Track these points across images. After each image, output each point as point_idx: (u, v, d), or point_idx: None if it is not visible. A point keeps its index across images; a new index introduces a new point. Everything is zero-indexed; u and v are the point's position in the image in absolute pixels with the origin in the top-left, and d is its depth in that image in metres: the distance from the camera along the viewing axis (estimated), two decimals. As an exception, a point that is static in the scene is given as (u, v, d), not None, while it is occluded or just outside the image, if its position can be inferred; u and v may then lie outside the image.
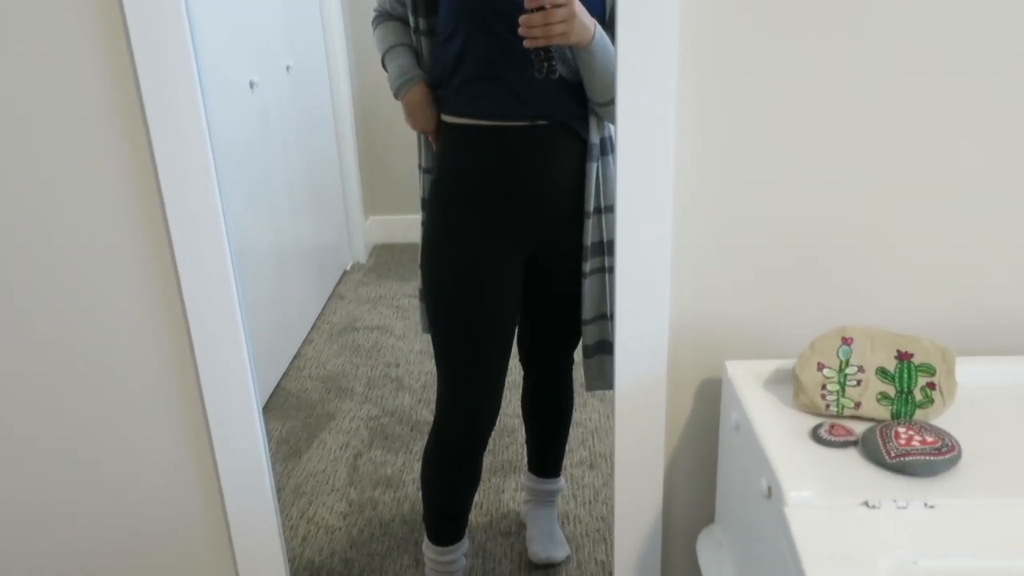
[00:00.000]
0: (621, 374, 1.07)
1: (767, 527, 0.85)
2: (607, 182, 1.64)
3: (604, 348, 1.76)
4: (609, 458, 2.50)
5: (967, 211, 1.05)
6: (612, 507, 2.13)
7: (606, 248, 1.68)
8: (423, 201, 1.68)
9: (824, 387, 0.92)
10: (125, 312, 1.08)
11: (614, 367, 1.75)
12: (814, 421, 0.92)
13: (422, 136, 1.68)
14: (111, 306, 1.08)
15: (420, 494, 1.89)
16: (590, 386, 1.82)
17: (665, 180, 1.01)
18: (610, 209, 1.66)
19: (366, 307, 3.51)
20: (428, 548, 1.92)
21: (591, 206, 1.64)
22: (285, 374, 2.97)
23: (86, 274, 1.06)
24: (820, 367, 0.92)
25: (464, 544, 1.92)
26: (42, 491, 1.16)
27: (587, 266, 1.69)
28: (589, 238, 1.67)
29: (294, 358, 3.09)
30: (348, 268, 3.87)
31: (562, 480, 2.16)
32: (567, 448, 2.50)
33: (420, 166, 1.70)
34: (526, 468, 2.16)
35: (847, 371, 0.91)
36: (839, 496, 0.80)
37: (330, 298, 3.59)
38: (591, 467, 2.46)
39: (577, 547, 2.14)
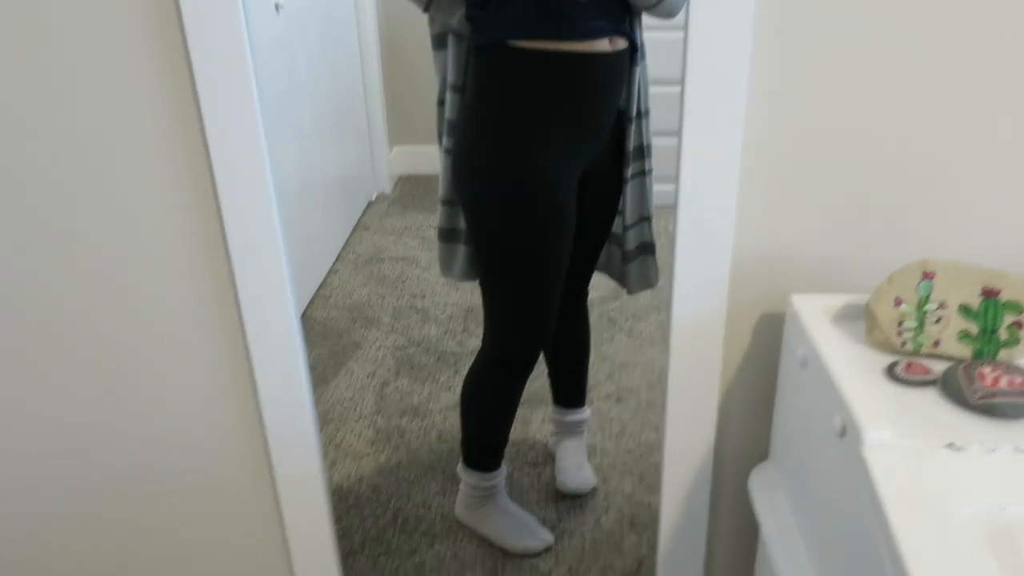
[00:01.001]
0: (679, 306, 1.02)
1: (836, 467, 0.82)
2: (644, 86, 1.65)
3: (646, 249, 1.76)
4: (636, 392, 2.48)
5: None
6: (651, 442, 2.13)
7: (645, 151, 1.67)
8: (451, 124, 1.60)
9: (901, 323, 0.87)
10: (165, 239, 1.04)
11: (656, 266, 1.77)
12: (889, 359, 0.87)
13: (450, 50, 1.56)
14: (152, 234, 1.04)
15: (464, 418, 1.88)
16: (632, 289, 1.82)
17: (736, 106, 0.95)
18: (646, 113, 1.69)
19: (391, 238, 3.47)
20: (472, 475, 1.93)
21: (634, 111, 1.61)
22: (311, 303, 2.95)
23: (125, 199, 1.02)
24: (897, 302, 0.87)
25: (504, 467, 1.94)
26: (83, 422, 1.15)
27: (628, 171, 1.67)
28: (631, 143, 1.64)
29: (320, 287, 3.07)
30: (373, 199, 3.82)
31: (587, 410, 2.15)
32: (594, 382, 2.49)
33: (450, 85, 1.60)
34: (552, 402, 2.15)
35: (927, 307, 0.87)
36: (920, 437, 0.76)
37: (355, 229, 3.55)
38: (618, 401, 2.44)
39: (604, 479, 2.14)
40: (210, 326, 1.09)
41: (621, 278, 1.88)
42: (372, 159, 3.77)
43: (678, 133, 1.01)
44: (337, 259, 3.29)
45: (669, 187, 3.58)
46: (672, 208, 1.03)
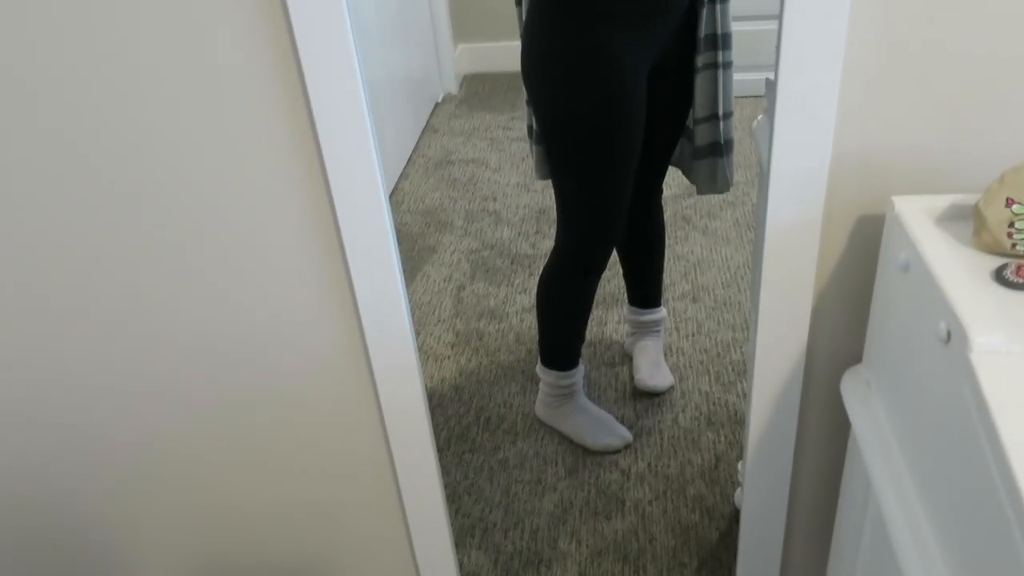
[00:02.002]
0: (774, 207, 1.00)
1: (940, 373, 0.81)
2: None
3: (716, 150, 1.73)
4: (711, 291, 2.47)
5: None
6: (727, 341, 2.14)
7: (720, 42, 1.60)
8: (534, 22, 1.56)
9: (1012, 224, 0.84)
10: (260, 144, 1.06)
11: (727, 170, 1.73)
12: (997, 261, 0.85)
13: None
14: (247, 142, 1.06)
15: (541, 319, 1.91)
16: (700, 189, 1.79)
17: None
18: None
19: (460, 140, 3.46)
20: (550, 374, 1.98)
21: None
22: (384, 208, 2.99)
23: (220, 116, 1.04)
24: (1009, 203, 0.84)
25: (582, 366, 1.98)
26: (188, 326, 1.20)
27: (699, 60, 1.62)
28: (703, 30, 1.58)
29: (392, 193, 3.10)
30: (440, 100, 3.78)
31: (663, 310, 2.16)
32: (669, 281, 2.48)
33: None
34: (627, 302, 2.16)
35: (1041, 208, 0.83)
36: (1030, 342, 0.74)
37: (424, 131, 3.53)
38: (694, 300, 2.44)
39: (681, 377, 2.17)
40: (306, 229, 1.11)
41: (691, 176, 1.84)
42: (437, 58, 3.71)
43: (777, 19, 0.96)
44: (407, 163, 3.30)
45: (753, 75, 3.42)
46: (756, 99, 0.99)
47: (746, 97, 3.47)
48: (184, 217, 1.11)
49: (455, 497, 1.90)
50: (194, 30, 0.99)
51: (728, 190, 1.82)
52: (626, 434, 1.99)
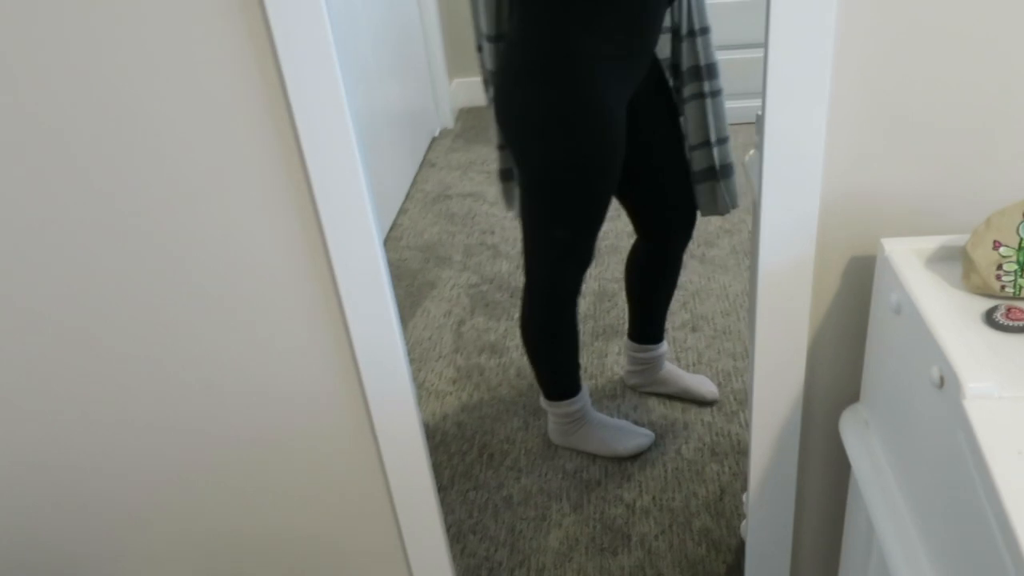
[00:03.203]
0: (766, 250, 1.02)
1: (935, 417, 0.82)
2: (698, 1, 1.61)
3: (712, 174, 1.74)
4: (711, 320, 2.48)
5: None
6: (728, 370, 2.14)
7: (704, 72, 1.62)
8: (493, 74, 1.58)
9: (1000, 267, 0.85)
10: (253, 193, 1.07)
11: (727, 193, 1.75)
12: (987, 303, 0.86)
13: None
14: (238, 186, 1.07)
15: (534, 357, 1.93)
16: (704, 210, 1.81)
17: (824, 39, 0.91)
18: (704, 31, 1.64)
19: (457, 173, 3.48)
20: (556, 406, 1.99)
21: (685, 28, 1.58)
22: (383, 245, 3.00)
23: (211, 159, 1.05)
24: (996, 245, 0.85)
25: (585, 386, 1.99)
26: (187, 369, 1.21)
27: (685, 91, 1.65)
28: (685, 63, 1.62)
29: (391, 228, 3.12)
30: (436, 134, 3.82)
31: (664, 343, 2.16)
32: (669, 311, 2.49)
33: (485, 35, 1.58)
34: (627, 339, 2.16)
35: (1028, 249, 0.84)
36: (1021, 387, 0.75)
37: (421, 166, 3.56)
38: (693, 329, 2.44)
39: (683, 408, 2.17)
40: (300, 275, 1.12)
41: (688, 210, 1.86)
42: (433, 93, 3.75)
43: (763, 68, 0.98)
44: (406, 198, 3.32)
45: (747, 103, 3.44)
46: (750, 125, 1.01)
47: (739, 124, 3.51)
48: (180, 264, 1.12)
49: (460, 536, 1.89)
50: (183, 72, 1.00)
51: (729, 212, 1.84)
52: (649, 432, 2.02)
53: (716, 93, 1.69)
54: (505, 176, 1.78)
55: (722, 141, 1.74)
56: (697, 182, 1.78)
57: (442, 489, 2.01)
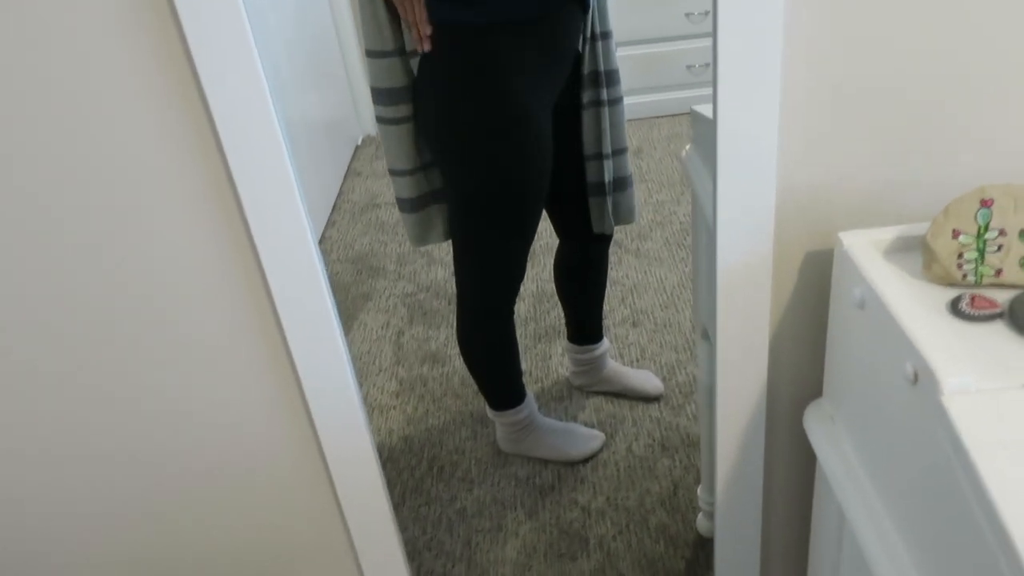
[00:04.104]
0: (724, 248, 1.00)
1: (909, 412, 0.81)
2: (600, 4, 1.58)
3: (601, 190, 1.71)
4: (650, 313, 2.48)
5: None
6: (672, 363, 2.14)
7: (604, 79, 1.60)
8: (394, 92, 1.50)
9: (961, 255, 0.85)
10: (178, 208, 1.00)
11: (627, 204, 1.72)
12: (949, 293, 0.86)
13: (376, 10, 1.44)
14: (162, 207, 1.00)
15: (474, 371, 1.89)
16: (593, 226, 1.78)
17: (774, 33, 0.90)
18: (606, 35, 1.61)
19: (384, 181, 3.41)
20: (503, 415, 1.95)
21: (588, 31, 1.56)
22: (313, 257, 2.91)
23: (128, 171, 0.98)
24: (956, 234, 0.85)
25: (529, 392, 1.96)
26: (122, 390, 1.14)
27: (584, 97, 1.62)
28: (586, 67, 1.59)
29: (320, 241, 3.03)
30: (360, 142, 3.73)
31: (606, 341, 2.15)
32: (608, 308, 2.49)
33: (382, 52, 1.47)
34: (567, 341, 2.14)
35: (987, 236, 0.85)
36: (996, 378, 0.75)
37: (347, 175, 3.47)
38: (634, 325, 2.45)
39: (630, 405, 2.16)
40: (235, 294, 1.06)
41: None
42: (353, 100, 3.66)
43: (712, 65, 0.96)
44: (333, 209, 3.23)
45: (675, 95, 3.43)
46: (673, 117, 0.99)
47: (660, 117, 3.54)
48: (112, 289, 1.05)
49: (415, 554, 1.84)
50: (93, 98, 0.93)
51: (613, 230, 1.82)
52: (600, 434, 2.01)
53: (615, 101, 1.66)
54: (413, 205, 1.64)
55: (618, 152, 1.71)
56: (592, 194, 1.75)
57: (395, 507, 1.95)
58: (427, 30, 1.39)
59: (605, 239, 1.91)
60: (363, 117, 3.73)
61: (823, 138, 0.97)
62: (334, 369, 1.11)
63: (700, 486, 1.76)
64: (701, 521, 1.78)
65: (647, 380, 2.17)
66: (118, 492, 1.22)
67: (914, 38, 0.93)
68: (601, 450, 2.03)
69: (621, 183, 1.74)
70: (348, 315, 2.62)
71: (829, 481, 1.00)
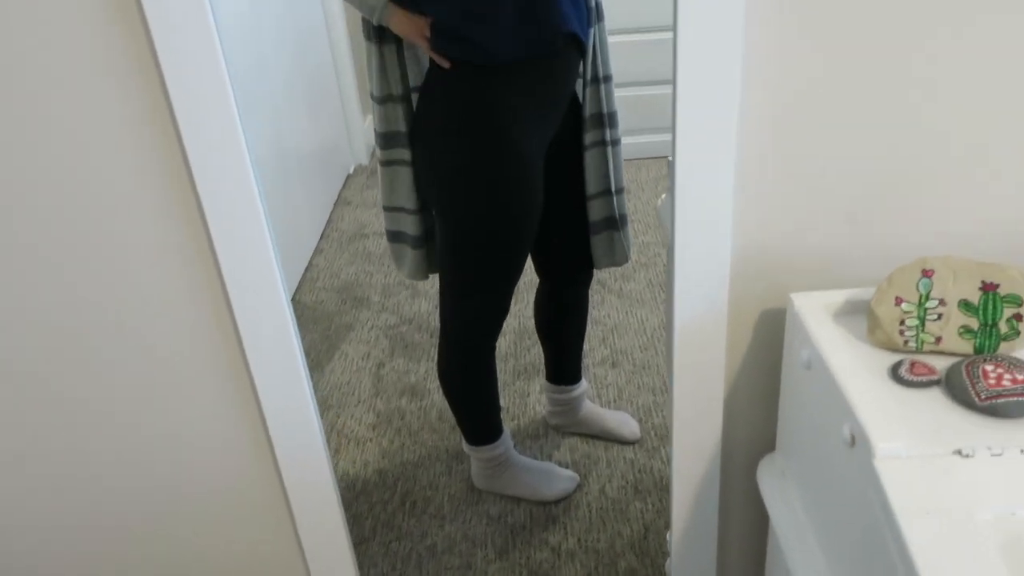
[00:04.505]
0: (680, 304, 1.03)
1: (848, 473, 0.83)
2: (602, 48, 1.62)
3: (611, 224, 1.75)
4: (630, 354, 2.50)
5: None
6: (648, 405, 2.16)
7: (607, 120, 1.64)
8: (391, 136, 1.55)
9: (903, 322, 0.88)
10: (148, 244, 1.02)
11: (624, 243, 1.76)
12: (891, 358, 0.88)
13: (382, 58, 1.50)
14: (132, 240, 1.02)
15: (453, 404, 1.90)
16: (598, 263, 1.82)
17: (730, 98, 0.94)
18: (607, 79, 1.65)
19: (373, 211, 3.44)
20: (479, 451, 1.96)
21: (590, 75, 1.60)
22: (299, 287, 2.93)
23: (101, 200, 1.00)
24: (898, 301, 0.88)
25: (506, 429, 1.97)
26: (84, 447, 1.15)
27: (587, 138, 1.66)
28: (588, 109, 1.63)
29: (307, 269, 3.05)
30: (351, 171, 3.77)
31: (584, 382, 2.16)
32: (588, 347, 2.51)
33: (387, 97, 1.52)
34: (547, 380, 2.15)
35: (927, 304, 0.87)
36: (929, 444, 0.77)
37: (336, 204, 3.50)
38: (613, 365, 2.46)
39: (605, 447, 2.17)
40: (203, 329, 1.08)
41: (590, 249, 1.86)
42: (347, 129, 3.70)
43: (672, 129, 1.00)
44: (321, 237, 3.26)
45: (658, 138, 3.49)
46: (658, 159, 1.02)
47: (649, 159, 3.59)
48: (77, 318, 1.07)
49: (383, 590, 1.84)
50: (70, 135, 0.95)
51: (626, 262, 1.85)
52: (574, 475, 2.01)
53: (616, 142, 1.71)
54: (394, 237, 1.73)
55: (620, 191, 1.76)
56: (595, 232, 1.78)
57: (364, 541, 1.95)
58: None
59: (586, 280, 1.94)
60: (356, 147, 3.77)
61: (778, 203, 1.00)
62: (298, 406, 1.13)
63: (669, 531, 1.77)
64: (669, 565, 1.79)
65: (624, 424, 2.18)
66: (75, 517, 1.22)
67: (866, 116, 0.97)
68: (575, 491, 2.03)
69: (623, 220, 1.79)
70: (330, 344, 2.63)
71: (778, 538, 1.02)
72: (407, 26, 1.43)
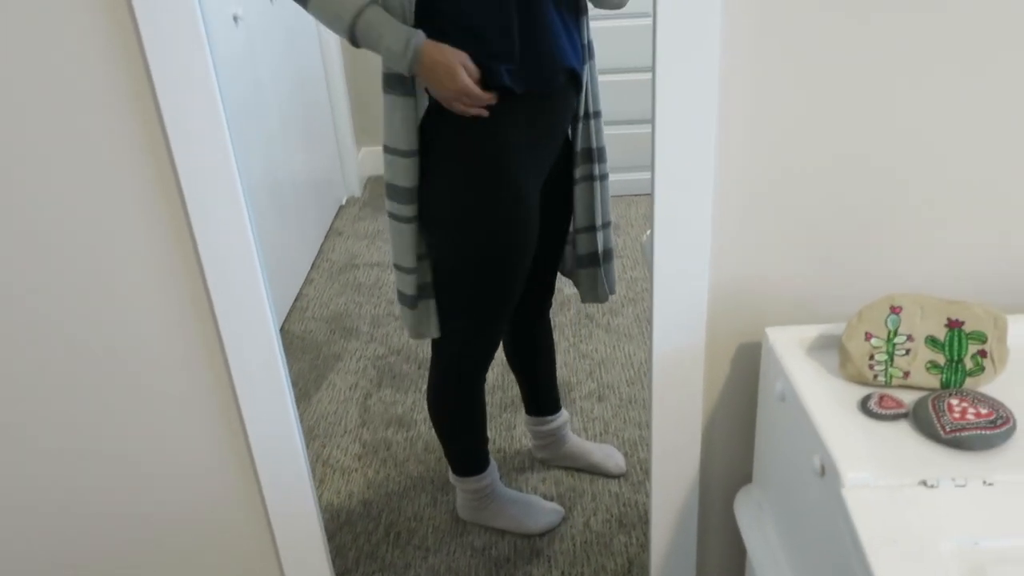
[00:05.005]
0: (659, 337, 1.05)
1: (818, 503, 0.85)
2: (593, 85, 1.65)
3: (595, 260, 1.77)
4: (616, 388, 2.52)
5: (1014, 171, 1.02)
6: (634, 439, 2.17)
7: (596, 155, 1.67)
8: (406, 191, 1.51)
9: (872, 357, 0.91)
10: (139, 268, 1.04)
11: (607, 280, 1.78)
12: (861, 391, 0.91)
13: (397, 112, 1.46)
14: (125, 261, 1.04)
15: (441, 433, 1.91)
16: (583, 298, 1.83)
17: (707, 137, 0.97)
18: (597, 115, 1.68)
19: (364, 243, 3.47)
20: (465, 482, 1.96)
21: (582, 111, 1.63)
22: (288, 316, 2.95)
23: (94, 224, 1.02)
24: (868, 337, 0.90)
25: (493, 461, 1.97)
26: (71, 475, 1.16)
27: (577, 172, 1.69)
28: (579, 144, 1.66)
29: (296, 298, 3.07)
30: (344, 203, 3.80)
31: (564, 412, 2.17)
32: (575, 380, 2.52)
33: (399, 151, 1.49)
34: (527, 413, 2.16)
35: (896, 340, 0.90)
36: (895, 475, 0.80)
37: (328, 235, 3.53)
38: (600, 399, 2.48)
39: (590, 479, 2.18)
40: (191, 357, 1.09)
41: (575, 282, 1.89)
42: (341, 162, 3.75)
43: (651, 168, 1.03)
44: (312, 267, 3.28)
45: (643, 175, 3.53)
46: (645, 196, 1.05)
47: (638, 196, 3.64)
48: (63, 343, 1.08)
49: (365, 622, 1.83)
50: (75, 188, 0.98)
51: (608, 299, 1.87)
52: (559, 508, 2.01)
53: (604, 177, 1.73)
54: (412, 301, 1.65)
55: (606, 225, 1.78)
56: (581, 266, 1.80)
57: (347, 572, 1.94)
58: (484, 98, 1.41)
59: (547, 309, 1.97)
60: (348, 178, 3.81)
61: (755, 240, 1.03)
62: (284, 434, 1.14)
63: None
64: (651, 599, 1.79)
65: (609, 457, 2.18)
66: (55, 546, 1.23)
67: (842, 160, 1.01)
68: (560, 524, 2.04)
69: (608, 255, 1.81)
70: (318, 374, 2.64)
71: (755, 569, 1.03)
72: (449, 55, 1.35)
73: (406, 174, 1.50)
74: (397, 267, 1.63)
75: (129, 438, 1.15)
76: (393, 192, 1.54)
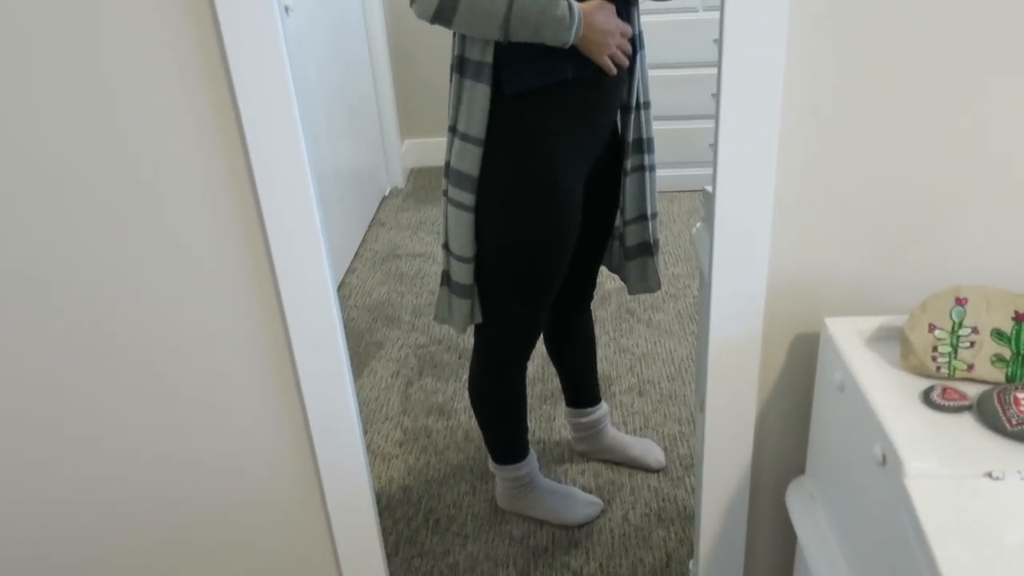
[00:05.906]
0: (716, 326, 1.05)
1: (878, 493, 0.85)
2: (643, 75, 1.65)
3: (646, 250, 1.77)
4: (657, 384, 2.51)
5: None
6: (674, 434, 2.17)
7: (646, 145, 1.67)
8: (464, 176, 1.52)
9: (935, 349, 0.90)
10: (207, 243, 1.06)
11: (656, 269, 1.78)
12: (923, 383, 0.90)
13: (464, 94, 1.47)
14: (192, 243, 1.07)
15: (482, 421, 1.92)
16: (631, 289, 1.83)
17: (770, 126, 0.97)
18: (647, 105, 1.68)
19: (407, 233, 3.49)
20: (505, 470, 1.98)
21: (634, 101, 1.63)
22: (331, 303, 2.98)
23: (168, 222, 1.05)
24: (931, 328, 0.90)
25: (532, 451, 1.98)
26: (130, 431, 1.18)
27: (628, 164, 1.69)
28: (631, 135, 1.66)
29: (339, 287, 3.10)
30: (387, 194, 3.84)
31: (604, 404, 2.17)
32: (616, 375, 2.52)
33: (463, 134, 1.50)
34: (567, 405, 2.16)
35: (960, 332, 0.89)
36: (959, 466, 0.79)
37: (371, 225, 3.57)
38: (640, 394, 2.47)
39: (629, 474, 2.18)
40: (254, 339, 1.12)
41: (622, 276, 1.89)
42: (384, 152, 3.78)
43: (713, 160, 1.03)
44: (355, 257, 3.31)
45: (689, 171, 3.54)
46: (691, 193, 1.04)
47: (682, 192, 3.62)
48: (127, 332, 1.11)
49: (404, 606, 1.85)
50: (146, 171, 1.00)
51: (659, 288, 1.87)
52: (598, 500, 2.01)
53: (653, 168, 1.74)
54: (458, 290, 1.65)
55: (654, 215, 1.79)
56: (630, 258, 1.80)
57: (387, 557, 1.96)
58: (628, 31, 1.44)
59: (589, 303, 1.97)
60: (392, 169, 3.84)
61: (814, 230, 1.03)
62: (343, 416, 1.16)
63: (692, 560, 1.76)
64: (693, 592, 1.78)
65: (649, 451, 2.18)
66: (123, 531, 1.26)
67: (904, 146, 0.99)
68: (598, 516, 2.04)
69: (657, 246, 1.81)
70: (360, 362, 2.67)
71: (807, 562, 1.02)
72: (596, 3, 1.38)
73: (475, 162, 1.51)
74: (455, 256, 1.62)
75: (193, 423, 1.17)
76: (459, 179, 1.54)
